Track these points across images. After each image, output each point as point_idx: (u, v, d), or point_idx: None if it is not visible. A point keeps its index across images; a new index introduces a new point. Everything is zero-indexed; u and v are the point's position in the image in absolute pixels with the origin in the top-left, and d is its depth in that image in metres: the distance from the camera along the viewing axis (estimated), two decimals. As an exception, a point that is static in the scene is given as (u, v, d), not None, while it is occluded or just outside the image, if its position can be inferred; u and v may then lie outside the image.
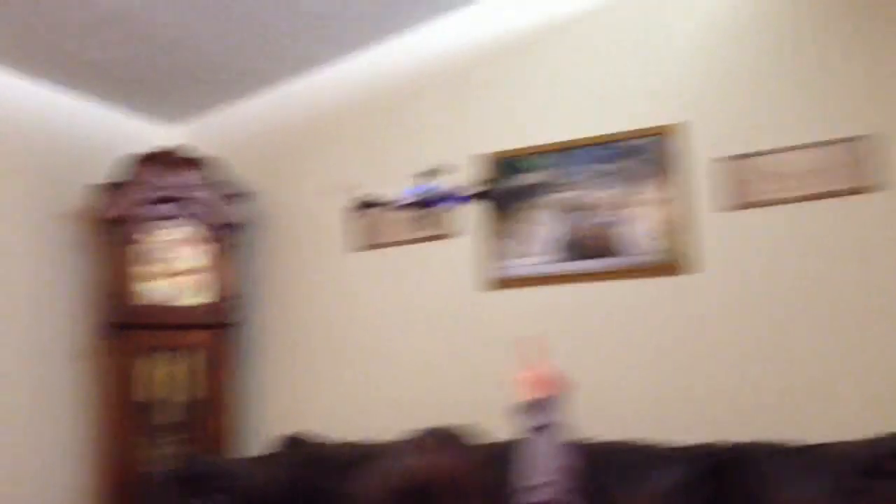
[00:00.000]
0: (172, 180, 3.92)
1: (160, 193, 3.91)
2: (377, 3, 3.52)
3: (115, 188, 3.85)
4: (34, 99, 4.00)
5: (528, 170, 3.55)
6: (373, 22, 3.68)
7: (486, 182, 3.44)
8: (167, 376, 3.88)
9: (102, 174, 3.88)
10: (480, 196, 3.35)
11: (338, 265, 3.99)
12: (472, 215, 3.61)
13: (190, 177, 3.95)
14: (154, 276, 3.91)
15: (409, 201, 2.92)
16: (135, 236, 3.89)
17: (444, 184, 2.88)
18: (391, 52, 3.90)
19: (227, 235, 3.99)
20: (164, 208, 3.94)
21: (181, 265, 3.95)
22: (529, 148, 3.54)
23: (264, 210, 4.22)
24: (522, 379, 2.03)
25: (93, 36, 3.60)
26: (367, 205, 3.24)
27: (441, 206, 2.96)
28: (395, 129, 3.90)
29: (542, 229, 3.52)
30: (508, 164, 3.58)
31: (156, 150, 3.98)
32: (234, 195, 4.01)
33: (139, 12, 3.43)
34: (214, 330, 3.93)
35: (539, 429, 1.96)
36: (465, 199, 3.03)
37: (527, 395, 1.99)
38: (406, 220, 3.67)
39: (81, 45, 3.67)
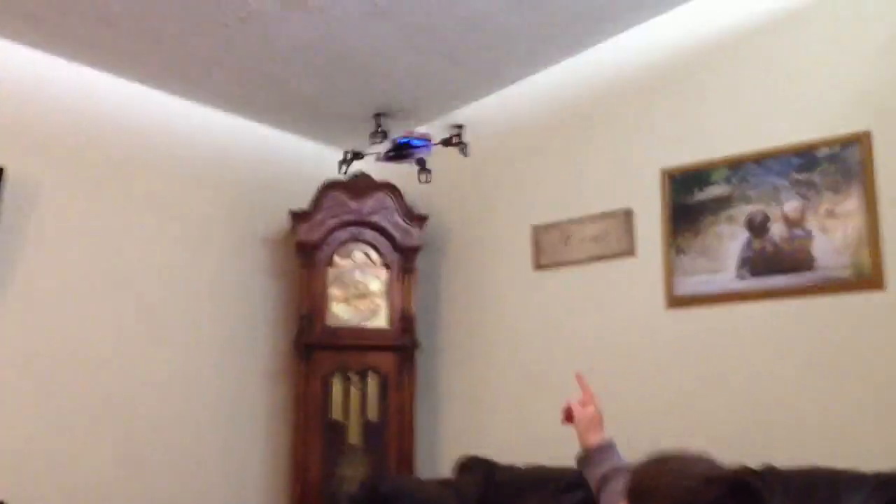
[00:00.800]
0: (360, 205, 4.05)
1: (349, 218, 4.04)
2: (564, 21, 3.52)
3: (308, 214, 4.01)
4: (236, 130, 4.29)
5: (715, 183, 3.46)
6: (558, 39, 3.69)
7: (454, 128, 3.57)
8: (354, 397, 3.99)
9: (297, 201, 4.04)
10: (447, 143, 3.68)
11: (518, 286, 3.99)
12: (654, 232, 3.55)
13: (375, 202, 4.07)
14: (343, 299, 4.04)
15: (390, 152, 3.53)
16: (325, 260, 4.02)
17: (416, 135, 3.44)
18: (574, 70, 3.89)
19: (410, 259, 4.08)
20: (353, 232, 4.08)
21: (368, 288, 4.07)
22: (715, 160, 3.45)
23: (445, 234, 4.29)
24: (576, 415, 2.26)
25: (289, 70, 3.79)
26: (356, 155, 3.77)
27: (416, 153, 3.55)
28: (581, 146, 3.87)
29: (728, 244, 3.41)
30: (694, 177, 3.50)
31: (345, 177, 4.13)
32: (418, 219, 4.09)
33: (332, 43, 3.58)
34: (398, 352, 4.01)
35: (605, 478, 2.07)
36: (430, 144, 3.54)
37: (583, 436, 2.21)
38: (588, 239, 3.66)
39: (280, 79, 3.87)
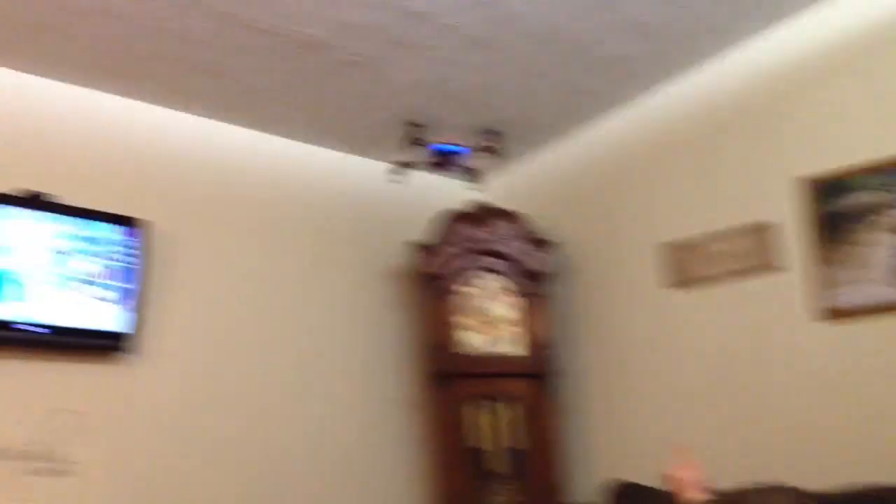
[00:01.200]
0: (484, 234, 4.08)
1: (473, 247, 4.07)
2: (672, 41, 3.44)
3: (431, 245, 4.08)
4: (354, 168, 4.44)
5: (859, 189, 3.26)
6: (677, 58, 3.60)
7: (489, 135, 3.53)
8: (491, 424, 3.98)
9: (419, 232, 4.12)
10: (484, 149, 3.60)
11: (653, 306, 3.89)
12: (795, 243, 3.38)
13: (500, 229, 4.08)
14: (472, 327, 4.05)
15: (433, 160, 3.52)
16: (452, 289, 4.06)
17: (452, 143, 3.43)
18: (698, 83, 3.79)
19: (539, 284, 4.06)
20: (478, 261, 4.10)
21: (497, 315, 4.07)
22: (859, 166, 3.25)
23: (572, 257, 4.24)
24: (677, 479, 2.32)
25: (400, 107, 3.89)
26: (404, 165, 3.70)
27: (456, 159, 3.53)
28: (709, 159, 3.75)
29: (879, 252, 3.20)
30: (836, 185, 3.31)
31: (467, 206, 4.18)
32: (543, 244, 4.07)
33: (439, 78, 3.64)
34: (532, 379, 3.98)
35: None
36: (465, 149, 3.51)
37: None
38: (722, 253, 3.53)
39: (394, 116, 3.97)
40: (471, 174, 3.73)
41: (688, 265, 3.77)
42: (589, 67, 3.61)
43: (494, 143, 3.69)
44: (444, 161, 3.57)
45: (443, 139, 3.57)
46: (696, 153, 3.79)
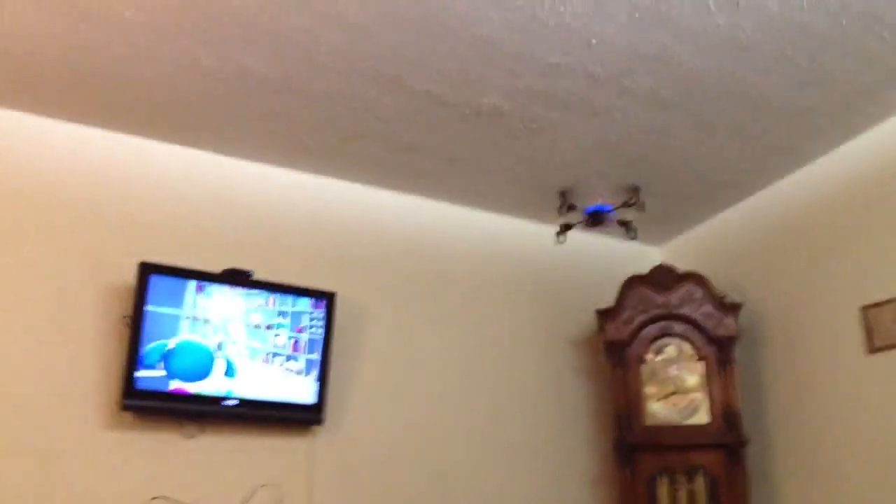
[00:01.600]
0: (667, 298, 3.98)
1: (658, 312, 3.98)
2: (859, 94, 3.30)
3: (614, 311, 4.01)
4: (532, 235, 4.49)
5: None
6: (859, 112, 3.46)
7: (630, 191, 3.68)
8: (682, 499, 3.82)
9: (603, 298, 4.07)
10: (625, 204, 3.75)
11: (850, 372, 3.65)
12: None
13: (682, 293, 3.97)
14: (659, 396, 3.93)
15: (588, 220, 3.85)
16: (637, 356, 3.97)
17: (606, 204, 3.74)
18: (885, 137, 3.61)
19: (725, 349, 3.90)
20: (663, 326, 3.99)
21: (685, 384, 3.93)
22: None
23: (760, 321, 4.08)
24: None
25: (584, 172, 3.90)
26: (567, 227, 3.92)
27: (606, 216, 3.82)
28: (889, 218, 3.55)
29: None
30: None
31: (648, 271, 4.10)
32: (730, 308, 3.93)
33: (616, 143, 3.65)
34: (721, 449, 3.80)
35: None
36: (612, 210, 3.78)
37: None
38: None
39: (576, 182, 3.99)
40: (626, 227, 3.82)
41: (889, 329, 3.54)
42: (773, 123, 3.52)
43: (635, 198, 3.74)
44: (596, 220, 3.77)
45: (593, 201, 3.71)
46: (880, 209, 3.59)
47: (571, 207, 3.77)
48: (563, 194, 3.74)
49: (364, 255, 3.93)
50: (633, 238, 3.85)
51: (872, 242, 3.61)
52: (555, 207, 4.19)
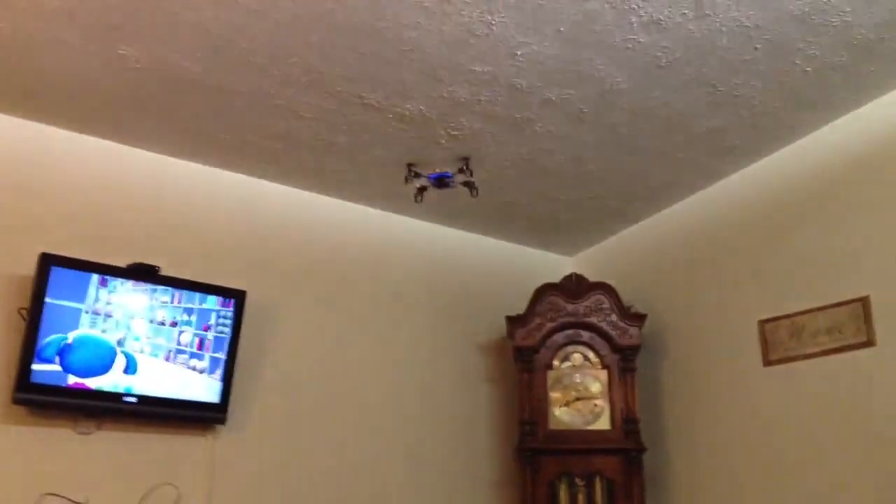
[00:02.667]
0: (576, 307, 4.05)
1: (565, 320, 4.04)
2: (768, 116, 3.42)
3: (524, 318, 4.05)
4: (448, 240, 4.50)
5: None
6: (768, 134, 3.58)
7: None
8: (579, 502, 3.89)
9: (512, 306, 4.09)
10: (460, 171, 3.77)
11: (747, 383, 3.79)
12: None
13: (591, 302, 4.05)
14: (564, 402, 4.00)
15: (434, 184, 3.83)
16: (545, 363, 4.02)
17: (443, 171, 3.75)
18: (789, 160, 3.74)
19: (628, 358, 4.00)
20: (570, 334, 4.07)
21: (589, 390, 4.01)
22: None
23: (660, 331, 4.19)
24: None
25: (499, 183, 3.93)
26: (421, 190, 3.89)
27: (448, 180, 3.79)
28: (807, 233, 3.66)
29: None
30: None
31: (560, 279, 4.17)
32: (633, 318, 4.02)
33: (538, 156, 3.69)
34: (620, 456, 3.90)
35: None
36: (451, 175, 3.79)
37: None
38: (822, 331, 3.44)
39: (493, 190, 4.02)
40: (469, 188, 3.85)
41: (784, 343, 3.68)
42: (686, 141, 3.60)
43: (465, 166, 3.78)
44: (441, 184, 3.83)
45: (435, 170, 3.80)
46: (796, 228, 3.72)
47: (417, 175, 3.82)
48: (409, 166, 3.79)
49: (275, 255, 3.87)
50: (475, 196, 3.90)
51: (772, 261, 3.75)
52: (476, 217, 4.25)
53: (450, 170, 3.76)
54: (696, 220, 4.15)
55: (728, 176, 3.97)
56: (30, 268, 3.09)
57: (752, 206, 3.89)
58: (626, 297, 4.10)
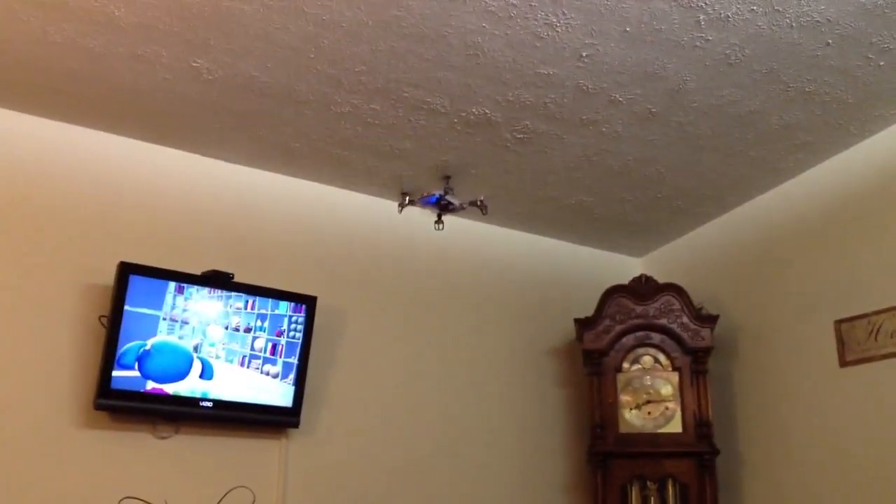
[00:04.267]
0: (645, 309, 4.01)
1: (634, 322, 4.01)
2: (842, 111, 3.34)
3: (593, 321, 4.03)
4: (518, 244, 4.50)
5: None
6: (842, 129, 3.50)
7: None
8: (654, 507, 3.86)
9: (580, 308, 4.08)
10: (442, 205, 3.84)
11: (827, 384, 3.70)
12: None
13: (661, 304, 4.01)
14: (635, 405, 3.96)
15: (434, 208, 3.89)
16: (615, 366, 3.99)
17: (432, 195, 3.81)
18: (865, 155, 3.65)
19: (700, 360, 3.95)
20: (639, 336, 4.04)
21: (660, 393, 3.97)
22: None
23: (732, 332, 4.12)
24: None
25: (570, 182, 3.92)
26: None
27: (442, 202, 3.82)
28: (873, 238, 3.57)
29: None
30: None
31: (628, 281, 4.14)
32: (705, 319, 3.97)
33: (605, 157, 3.67)
34: (693, 459, 3.85)
35: None
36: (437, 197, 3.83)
37: None
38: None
39: (561, 192, 4.03)
40: (479, 207, 3.93)
41: (861, 343, 3.59)
42: (756, 139, 3.54)
43: (447, 186, 3.86)
44: (442, 208, 3.88)
45: (425, 194, 3.87)
46: (873, 225, 3.62)
47: (412, 202, 3.90)
48: (403, 194, 3.90)
49: (346, 262, 3.91)
50: (485, 214, 3.94)
51: (849, 258, 3.66)
52: (546, 219, 4.30)
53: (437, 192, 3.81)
54: (768, 218, 4.07)
55: (800, 173, 3.89)
56: (109, 277, 3.18)
57: (825, 204, 3.80)
58: (697, 297, 4.05)
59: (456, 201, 3.83)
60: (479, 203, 3.89)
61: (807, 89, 3.16)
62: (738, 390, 4.10)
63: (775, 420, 3.88)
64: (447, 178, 3.78)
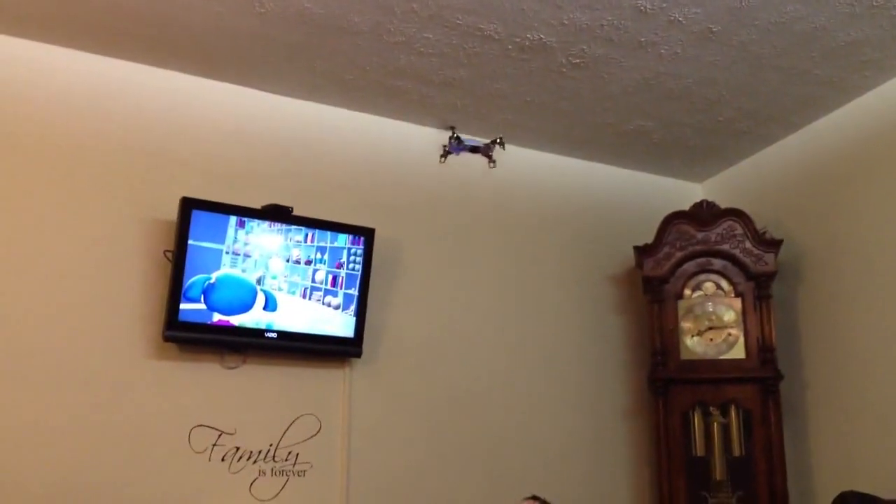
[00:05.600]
0: (706, 234, 3.95)
1: (697, 249, 3.96)
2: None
3: (653, 248, 3.98)
4: (575, 171, 4.45)
5: None
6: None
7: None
8: (716, 432, 3.86)
9: (640, 236, 4.04)
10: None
11: (894, 308, 3.62)
12: None
13: (722, 230, 3.95)
14: (696, 332, 3.93)
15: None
16: (675, 292, 3.96)
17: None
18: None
19: (763, 285, 3.88)
20: (701, 263, 3.99)
21: (722, 319, 3.93)
22: None
23: (797, 257, 4.04)
24: None
25: (624, 109, 3.87)
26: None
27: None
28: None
29: None
30: None
31: (689, 207, 4.07)
32: (768, 244, 3.90)
33: (665, 79, 3.59)
34: (756, 384, 3.82)
35: None
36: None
37: None
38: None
39: (619, 117, 3.96)
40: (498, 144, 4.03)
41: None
42: (821, 57, 3.42)
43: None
44: (477, 150, 3.99)
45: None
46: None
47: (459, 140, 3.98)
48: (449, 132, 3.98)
49: (402, 192, 3.92)
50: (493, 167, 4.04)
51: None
52: (603, 145, 4.25)
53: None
54: (834, 139, 3.95)
55: (868, 91, 3.75)
56: (172, 212, 3.25)
57: (890, 122, 3.67)
58: (760, 222, 3.97)
59: (474, 141, 3.85)
60: (498, 140, 3.96)
61: (874, 3, 3.03)
62: (802, 315, 4.04)
63: (841, 345, 3.82)
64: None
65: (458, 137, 4.02)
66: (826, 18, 3.13)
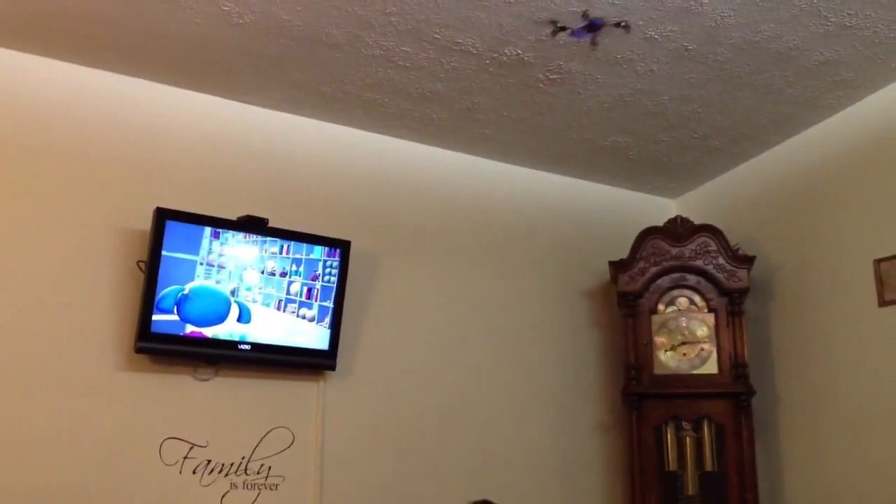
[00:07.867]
0: (681, 250, 3.99)
1: (671, 264, 3.99)
2: (883, 46, 3.24)
3: (628, 263, 4.01)
4: (551, 186, 4.47)
5: None
6: (883, 64, 3.40)
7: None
8: (689, 447, 3.89)
9: (615, 251, 4.06)
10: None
11: (862, 325, 3.66)
12: None
13: (696, 245, 3.98)
14: (670, 347, 3.96)
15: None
16: (650, 308, 3.99)
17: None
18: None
19: (736, 301, 3.92)
20: (675, 278, 4.02)
21: (695, 334, 3.96)
22: None
23: (769, 273, 4.08)
24: None
25: (600, 125, 3.89)
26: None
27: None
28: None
29: None
30: None
31: (664, 223, 4.11)
32: (741, 260, 3.94)
33: (641, 97, 3.61)
34: (729, 400, 3.85)
35: None
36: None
37: None
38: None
39: (595, 133, 3.98)
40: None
41: (903, 281, 3.54)
42: (795, 76, 3.47)
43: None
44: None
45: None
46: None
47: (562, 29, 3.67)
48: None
49: (378, 205, 3.91)
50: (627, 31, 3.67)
51: (889, 197, 3.60)
52: (579, 160, 4.25)
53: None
54: (806, 157, 4.00)
55: (840, 111, 3.81)
56: (146, 222, 3.22)
57: (866, 142, 3.72)
58: (733, 238, 4.01)
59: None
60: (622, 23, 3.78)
61: (847, 23, 3.08)
62: (775, 331, 4.07)
63: (813, 360, 3.86)
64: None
65: None
66: (800, 38, 3.17)
